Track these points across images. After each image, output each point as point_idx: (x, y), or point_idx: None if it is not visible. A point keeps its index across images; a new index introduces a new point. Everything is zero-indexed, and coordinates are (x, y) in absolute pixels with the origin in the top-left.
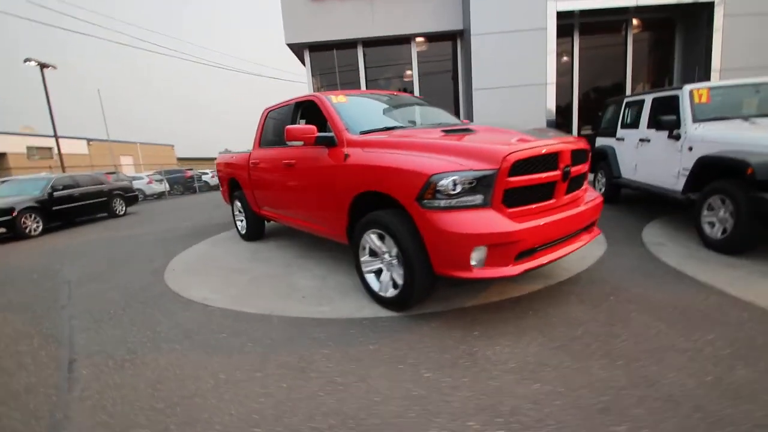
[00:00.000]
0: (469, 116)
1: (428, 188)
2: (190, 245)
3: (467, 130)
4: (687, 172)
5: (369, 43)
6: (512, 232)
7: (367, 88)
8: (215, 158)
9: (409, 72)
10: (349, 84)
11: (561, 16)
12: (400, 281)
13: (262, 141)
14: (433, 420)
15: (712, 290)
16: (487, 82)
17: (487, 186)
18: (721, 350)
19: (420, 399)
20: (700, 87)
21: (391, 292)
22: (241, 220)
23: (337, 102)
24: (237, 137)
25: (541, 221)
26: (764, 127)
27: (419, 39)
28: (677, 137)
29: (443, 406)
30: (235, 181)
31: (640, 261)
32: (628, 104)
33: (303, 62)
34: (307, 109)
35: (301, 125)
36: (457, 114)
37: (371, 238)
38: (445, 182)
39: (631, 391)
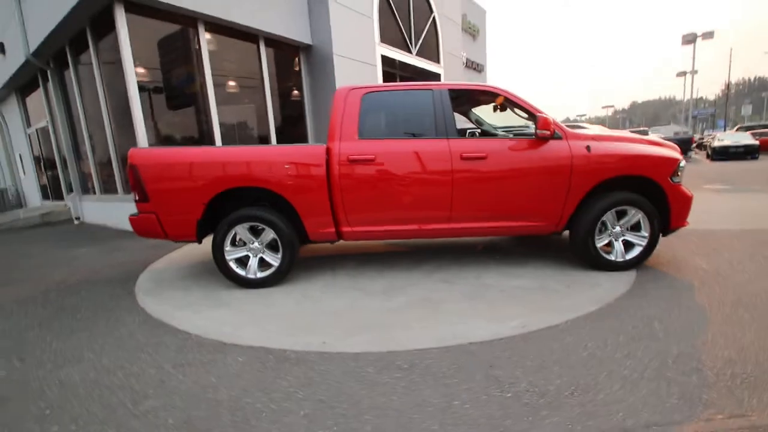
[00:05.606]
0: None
1: (678, 169)
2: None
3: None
4: None
5: (214, 27)
6: None
7: (215, 93)
8: None
9: (254, 80)
10: (194, 85)
11: None
12: (642, 242)
13: (363, 131)
14: None
15: None
16: None
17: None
18: None
19: None
20: None
21: (627, 257)
22: (245, 256)
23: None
24: None
25: None
26: None
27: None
28: None
29: None
30: (254, 192)
31: None
32: None
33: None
34: (459, 100)
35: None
36: (305, 133)
37: (611, 216)
38: (683, 164)
39: None
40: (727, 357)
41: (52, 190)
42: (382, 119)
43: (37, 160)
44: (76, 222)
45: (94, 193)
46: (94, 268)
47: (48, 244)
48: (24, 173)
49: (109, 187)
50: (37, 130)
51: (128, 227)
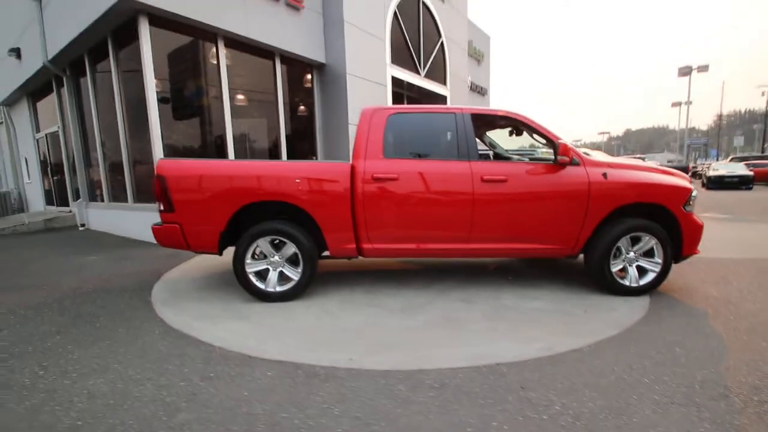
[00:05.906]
0: (337, 149)
1: (690, 198)
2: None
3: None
4: None
5: (233, 43)
6: None
7: (231, 106)
8: None
9: (268, 95)
10: (210, 98)
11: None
12: (655, 268)
13: (388, 150)
14: None
15: None
16: (356, 120)
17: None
18: None
19: None
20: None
21: (641, 282)
22: (264, 269)
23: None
24: None
25: None
26: None
27: (281, 57)
28: None
29: None
30: (278, 206)
31: None
32: None
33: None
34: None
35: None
36: (314, 149)
37: (626, 242)
38: (695, 194)
39: None
40: (752, 383)
41: (56, 196)
42: (406, 140)
43: (43, 165)
44: (81, 229)
45: (102, 200)
46: (104, 277)
47: (54, 250)
48: (29, 177)
49: (118, 196)
50: (46, 135)
51: (136, 236)
